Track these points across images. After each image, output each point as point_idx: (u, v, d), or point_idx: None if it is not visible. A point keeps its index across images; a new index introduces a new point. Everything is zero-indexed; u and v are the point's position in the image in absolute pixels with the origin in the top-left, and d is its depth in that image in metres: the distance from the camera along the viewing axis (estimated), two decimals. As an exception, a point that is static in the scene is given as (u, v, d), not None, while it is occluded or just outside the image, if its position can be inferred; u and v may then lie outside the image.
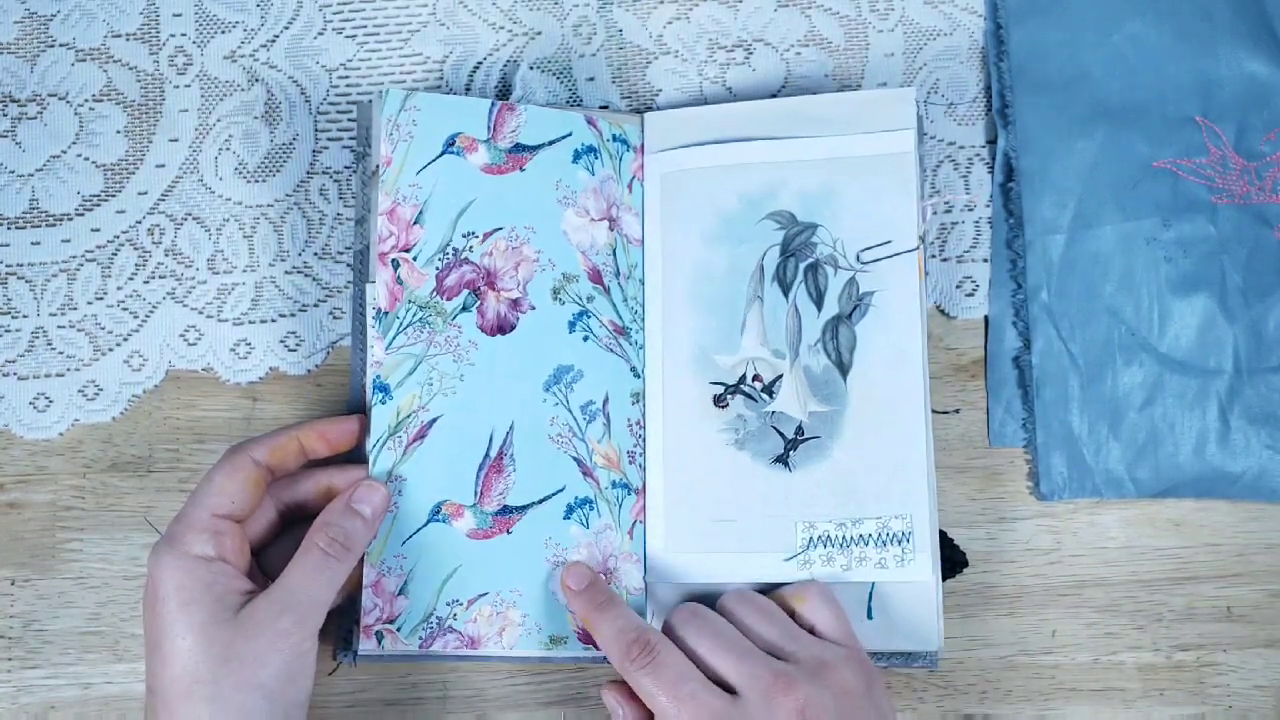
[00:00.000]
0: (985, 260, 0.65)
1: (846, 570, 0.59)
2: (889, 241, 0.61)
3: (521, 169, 0.62)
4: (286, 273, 0.65)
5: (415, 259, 0.60)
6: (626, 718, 0.56)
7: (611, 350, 0.62)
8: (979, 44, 0.66)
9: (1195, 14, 0.64)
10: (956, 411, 0.64)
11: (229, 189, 0.65)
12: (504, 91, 0.66)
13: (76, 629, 0.63)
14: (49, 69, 0.66)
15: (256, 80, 0.66)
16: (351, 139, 0.66)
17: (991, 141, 0.66)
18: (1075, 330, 0.63)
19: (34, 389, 0.64)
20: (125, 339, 0.65)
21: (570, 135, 0.63)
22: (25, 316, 0.65)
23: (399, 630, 0.58)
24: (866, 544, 0.59)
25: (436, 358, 0.60)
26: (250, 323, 0.65)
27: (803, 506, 0.60)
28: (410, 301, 0.60)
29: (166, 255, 0.65)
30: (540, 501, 0.60)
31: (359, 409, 0.60)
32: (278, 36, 0.66)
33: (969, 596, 0.63)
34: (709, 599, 0.59)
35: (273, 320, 0.65)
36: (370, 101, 0.62)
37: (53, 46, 0.66)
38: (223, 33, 0.66)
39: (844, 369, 0.61)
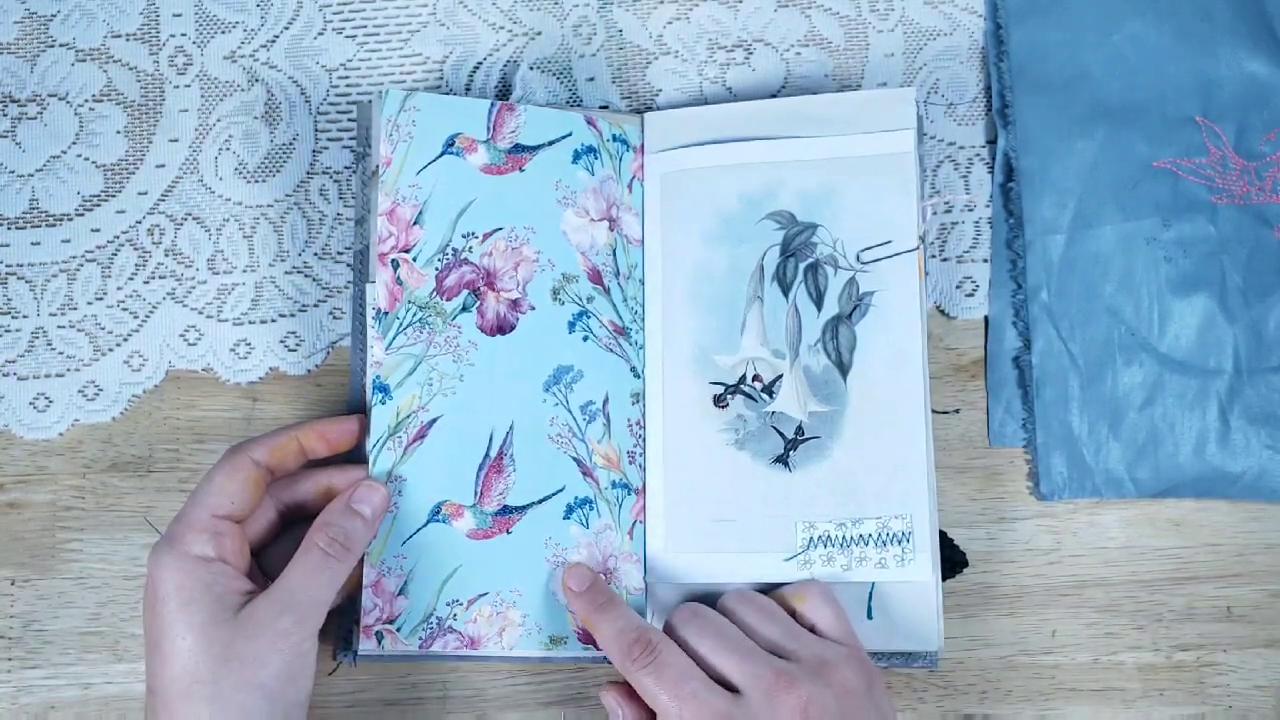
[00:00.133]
0: (985, 260, 0.65)
1: (846, 570, 0.59)
2: (889, 241, 0.61)
3: (521, 169, 0.62)
4: (286, 273, 0.65)
5: (415, 259, 0.60)
6: (627, 718, 0.56)
7: (611, 350, 0.62)
8: (979, 44, 0.66)
9: (1195, 14, 0.64)
10: (956, 411, 0.64)
11: (229, 189, 0.65)
12: (504, 92, 0.66)
13: (76, 629, 0.63)
14: (49, 69, 0.66)
15: (256, 80, 0.66)
16: (351, 139, 0.66)
17: (991, 141, 0.66)
18: (1075, 330, 0.63)
19: (34, 389, 0.64)
20: (125, 339, 0.65)
21: (570, 135, 0.63)
22: (25, 316, 0.65)
23: (399, 630, 0.58)
24: (866, 544, 0.59)
25: (436, 358, 0.60)
26: (250, 323, 0.65)
27: (803, 506, 0.60)
28: (410, 302, 0.60)
29: (166, 255, 0.65)
30: (540, 501, 0.60)
31: (359, 409, 0.60)
32: (278, 37, 0.66)
33: (969, 596, 0.63)
34: (709, 599, 0.59)
35: (273, 320, 0.65)
36: (370, 101, 0.62)
37: (53, 46, 0.66)
38: (223, 33, 0.66)
39: (844, 369, 0.61)
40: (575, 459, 0.61)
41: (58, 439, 0.64)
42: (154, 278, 0.65)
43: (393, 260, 0.60)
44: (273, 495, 0.58)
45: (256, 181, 0.66)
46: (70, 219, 0.65)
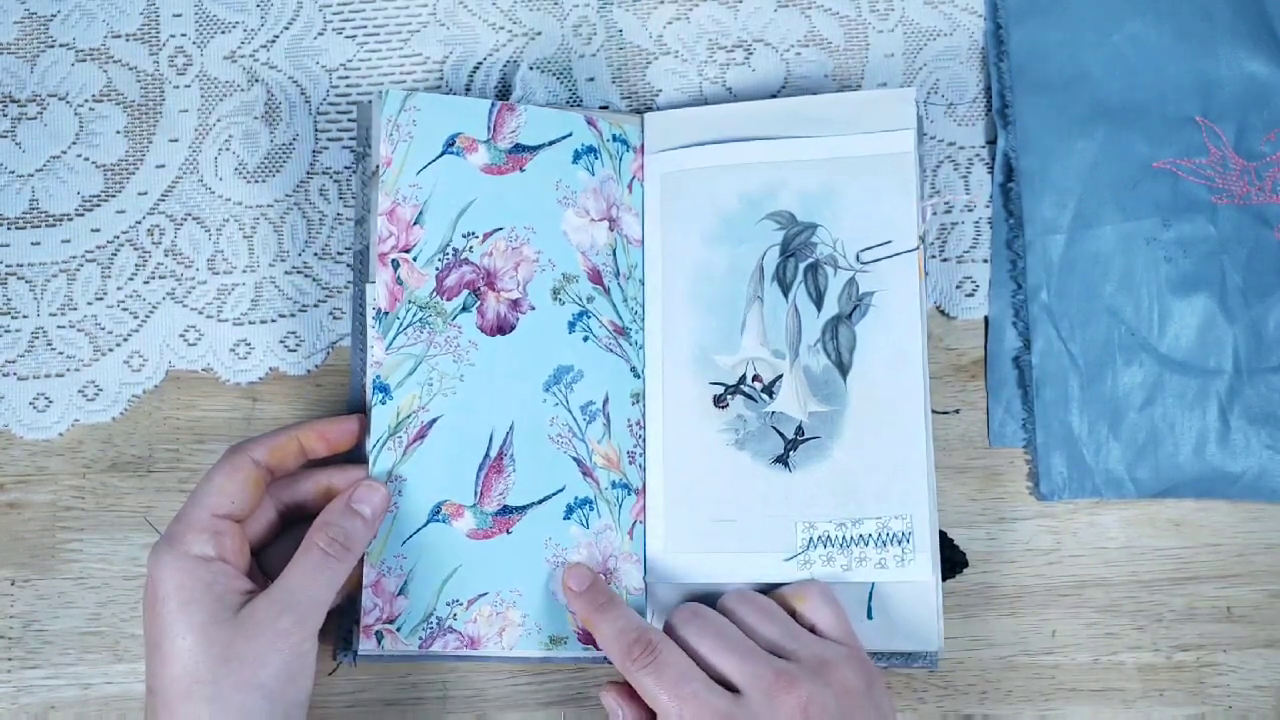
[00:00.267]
0: (985, 260, 0.65)
1: (846, 570, 0.59)
2: (889, 241, 0.61)
3: (521, 169, 0.62)
4: (286, 273, 0.65)
5: (415, 259, 0.60)
6: (627, 718, 0.56)
7: (611, 350, 0.62)
8: (979, 44, 0.66)
9: (1195, 14, 0.64)
10: (956, 411, 0.64)
11: (229, 189, 0.65)
12: (504, 92, 0.66)
13: (76, 629, 0.63)
14: (49, 69, 0.66)
15: (256, 80, 0.66)
16: (351, 139, 0.66)
17: (991, 141, 0.66)
18: (1075, 330, 0.63)
19: (34, 389, 0.64)
20: (125, 339, 0.65)
21: (570, 135, 0.63)
22: (25, 316, 0.65)
23: (399, 630, 0.58)
24: (866, 544, 0.59)
25: (436, 358, 0.60)
26: (250, 323, 0.65)
27: (803, 506, 0.60)
28: (410, 302, 0.60)
29: (166, 255, 0.65)
30: (540, 501, 0.60)
31: (359, 409, 0.60)
32: (278, 37, 0.66)
33: (969, 596, 0.63)
34: (709, 599, 0.59)
35: (273, 320, 0.65)
36: (370, 102, 0.62)
37: (53, 46, 0.66)
38: (223, 33, 0.66)
39: (844, 369, 0.61)
40: (575, 459, 0.61)
41: (58, 439, 0.64)
42: (154, 278, 0.65)
43: (393, 260, 0.60)
44: (273, 495, 0.58)
45: (256, 181, 0.66)
46: (70, 219, 0.65)
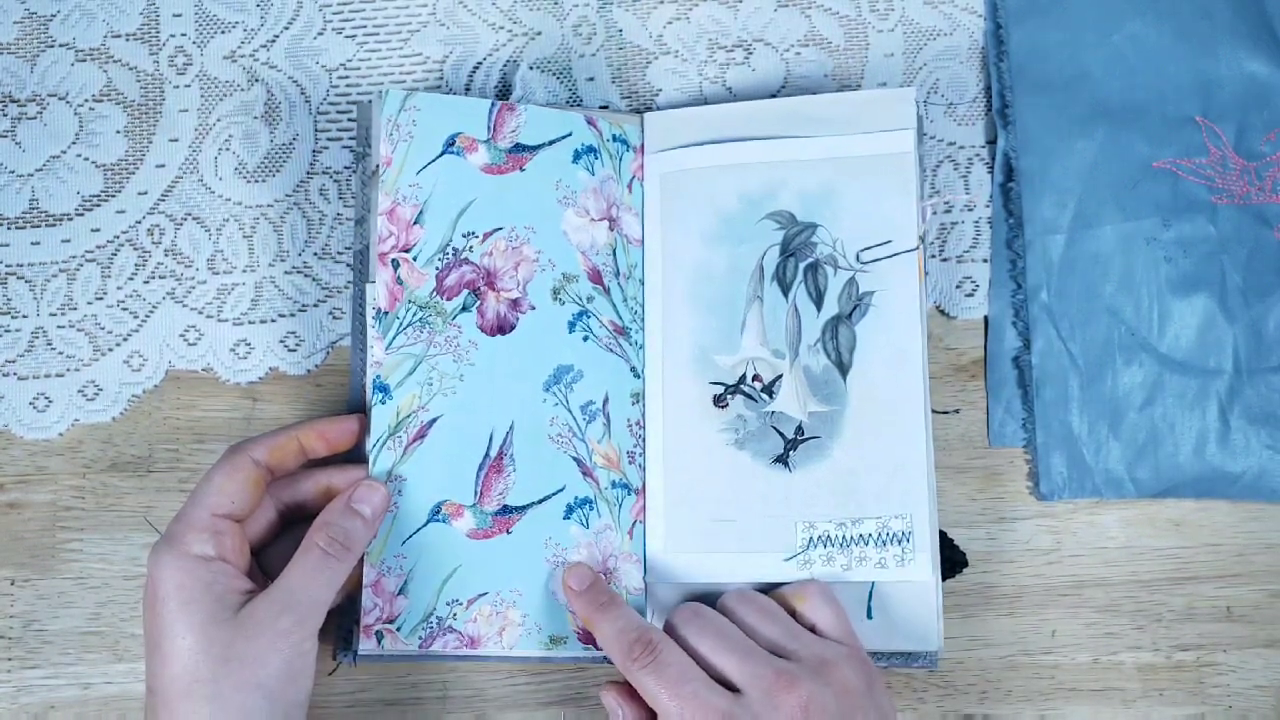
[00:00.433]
0: (985, 260, 0.65)
1: (846, 570, 0.59)
2: (889, 241, 0.61)
3: (521, 169, 0.62)
4: (286, 273, 0.65)
5: (415, 259, 0.60)
6: (627, 718, 0.56)
7: (611, 350, 0.62)
8: (979, 44, 0.66)
9: (1195, 14, 0.64)
10: (956, 411, 0.64)
11: (229, 189, 0.65)
12: (504, 91, 0.66)
13: (76, 629, 0.63)
14: (49, 69, 0.66)
15: (256, 80, 0.66)
16: (351, 139, 0.66)
17: (991, 141, 0.66)
18: (1075, 330, 0.63)
19: (34, 389, 0.64)
20: (125, 339, 0.65)
21: (570, 135, 0.63)
22: (25, 316, 0.65)
23: (399, 630, 0.58)
24: (866, 544, 0.59)
25: (436, 358, 0.60)
26: (250, 323, 0.65)
27: (803, 506, 0.60)
28: (410, 301, 0.60)
29: (166, 255, 0.65)
30: (540, 501, 0.60)
31: (359, 409, 0.60)
32: (278, 36, 0.66)
33: (969, 596, 0.63)
34: (709, 599, 0.59)
35: (273, 320, 0.65)
36: (370, 101, 0.62)
37: (53, 46, 0.66)
38: (223, 33, 0.66)
39: (844, 369, 0.61)
40: (575, 459, 0.61)
41: (58, 439, 0.64)
42: (154, 278, 0.65)
43: (393, 260, 0.60)
44: (273, 495, 0.58)
45: (256, 181, 0.66)
46: (70, 219, 0.65)
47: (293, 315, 0.65)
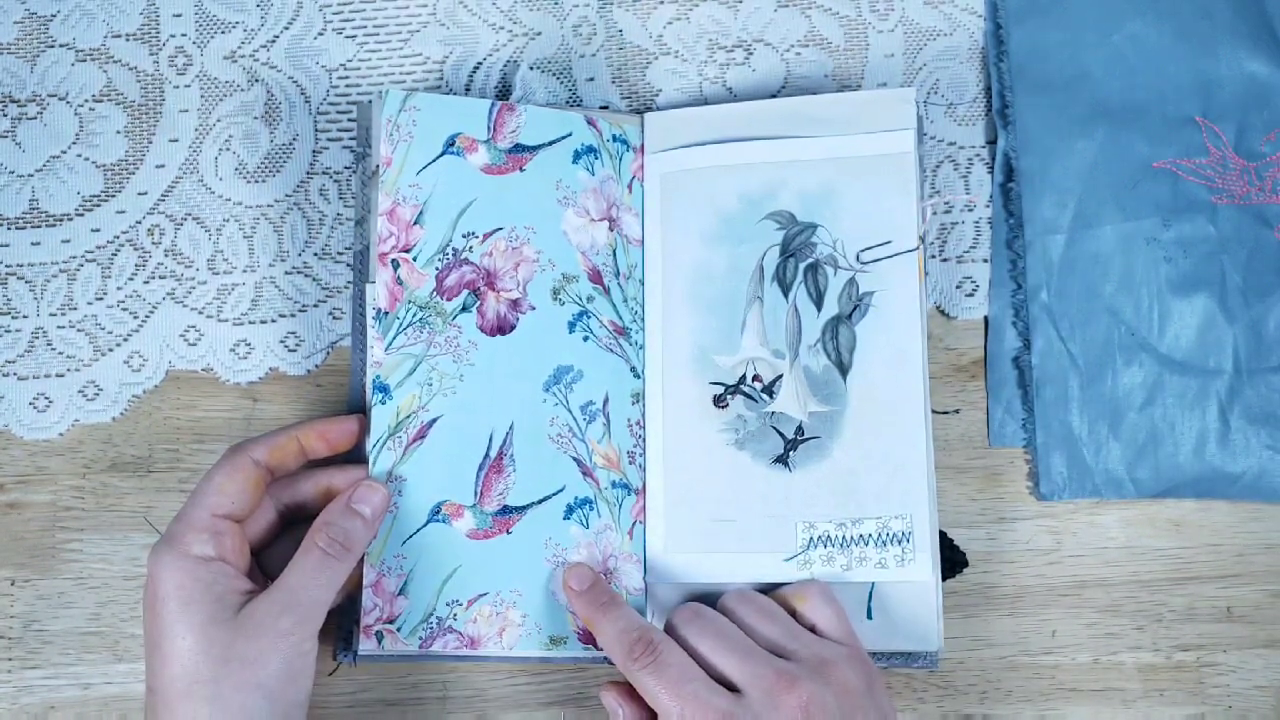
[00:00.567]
0: (985, 260, 0.65)
1: (846, 570, 0.59)
2: (889, 241, 0.61)
3: (521, 169, 0.62)
4: (286, 273, 0.65)
5: (415, 259, 0.60)
6: (627, 718, 0.56)
7: (611, 350, 0.62)
8: (979, 44, 0.66)
9: (1195, 14, 0.64)
10: (956, 412, 0.64)
11: (229, 189, 0.65)
12: (504, 92, 0.66)
13: (76, 629, 0.63)
14: (49, 69, 0.66)
15: (256, 80, 0.66)
16: (351, 139, 0.66)
17: (991, 141, 0.66)
18: (1075, 330, 0.63)
19: (34, 389, 0.64)
20: (125, 339, 0.65)
21: (570, 135, 0.63)
22: (25, 316, 0.65)
23: (399, 630, 0.58)
24: (866, 544, 0.59)
25: (436, 358, 0.60)
26: (250, 323, 0.65)
27: (803, 506, 0.60)
28: (410, 302, 0.60)
29: (166, 255, 0.65)
30: (540, 502, 0.60)
31: (359, 409, 0.60)
32: (278, 37, 0.66)
33: (969, 596, 0.63)
34: (709, 599, 0.59)
35: (273, 320, 0.65)
36: (370, 102, 0.62)
37: (53, 46, 0.66)
38: (223, 33, 0.66)
39: (844, 369, 0.61)
40: (575, 459, 0.61)
41: (58, 439, 0.64)
42: (154, 278, 0.65)
43: (393, 260, 0.60)
44: (273, 495, 0.58)
45: (256, 181, 0.66)
46: (70, 219, 0.65)
47: (293, 315, 0.65)
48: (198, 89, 0.66)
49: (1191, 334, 0.62)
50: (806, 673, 0.53)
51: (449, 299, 0.60)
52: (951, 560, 0.62)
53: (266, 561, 0.58)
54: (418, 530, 0.59)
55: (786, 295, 0.62)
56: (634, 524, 0.62)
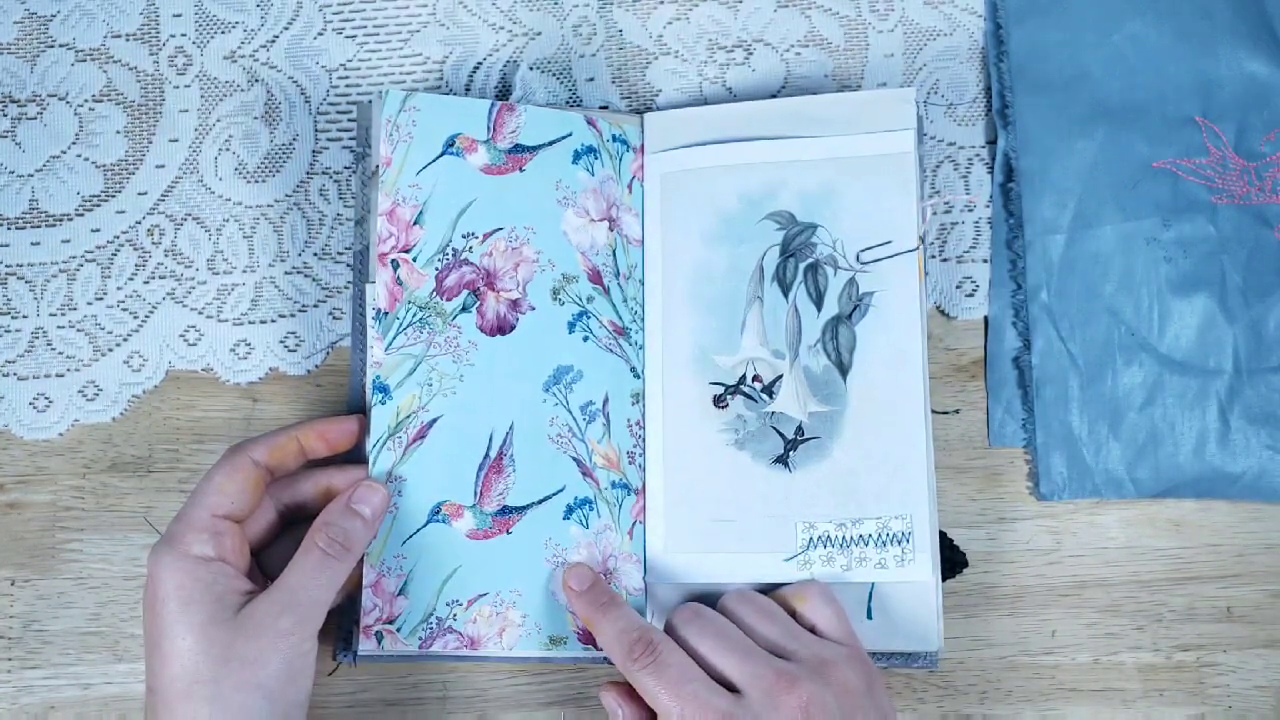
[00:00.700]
0: (985, 260, 0.65)
1: (846, 570, 0.59)
2: (889, 242, 0.61)
3: (521, 169, 0.62)
4: (286, 273, 0.65)
5: (415, 259, 0.60)
6: (627, 718, 0.56)
7: (611, 350, 0.62)
8: (979, 44, 0.66)
9: (1195, 14, 0.64)
10: (956, 412, 0.64)
11: (229, 189, 0.65)
12: (504, 92, 0.66)
13: (76, 629, 0.63)
14: (49, 69, 0.66)
15: (256, 80, 0.66)
16: (351, 139, 0.66)
17: (991, 141, 0.66)
18: (1075, 330, 0.63)
19: (34, 389, 0.64)
20: (125, 339, 0.65)
21: (570, 136, 0.63)
22: (25, 317, 0.65)
23: (399, 630, 0.58)
24: (866, 544, 0.59)
25: (436, 358, 0.60)
26: (250, 323, 0.65)
27: (803, 507, 0.60)
28: (410, 302, 0.60)
29: (166, 255, 0.65)
30: (540, 502, 0.60)
31: (359, 409, 0.60)
32: (278, 37, 0.66)
33: (969, 596, 0.63)
34: (709, 599, 0.59)
35: (272, 320, 0.65)
36: (370, 102, 0.62)
37: (53, 46, 0.66)
38: (223, 33, 0.66)
39: (844, 369, 0.61)
40: (575, 459, 0.61)
41: (58, 439, 0.64)
42: (154, 278, 0.65)
43: (393, 260, 0.60)
44: (273, 495, 0.58)
45: (256, 181, 0.66)
46: (70, 219, 0.65)
47: (293, 315, 0.65)
48: (198, 89, 0.66)
49: (1191, 334, 0.62)
50: (806, 673, 0.53)
51: (449, 299, 0.60)
52: (951, 560, 0.62)
53: (266, 561, 0.59)
54: (418, 530, 0.59)
55: (786, 295, 0.62)
56: (634, 524, 0.62)
